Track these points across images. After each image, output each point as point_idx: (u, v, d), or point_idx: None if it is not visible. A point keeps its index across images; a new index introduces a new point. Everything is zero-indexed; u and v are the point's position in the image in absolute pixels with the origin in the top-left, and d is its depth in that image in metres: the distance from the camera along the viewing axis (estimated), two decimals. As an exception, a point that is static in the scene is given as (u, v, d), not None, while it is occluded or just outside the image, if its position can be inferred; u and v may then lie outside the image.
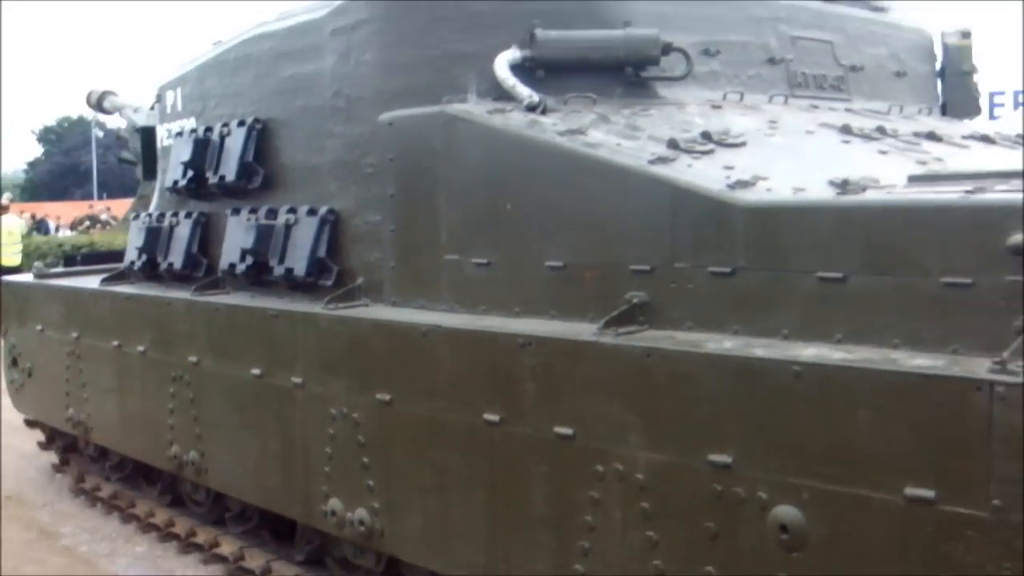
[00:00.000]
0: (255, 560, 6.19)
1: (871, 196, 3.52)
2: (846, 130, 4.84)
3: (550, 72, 4.88)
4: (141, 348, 6.46)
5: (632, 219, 4.03)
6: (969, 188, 3.39)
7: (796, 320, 3.57)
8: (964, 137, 5.56)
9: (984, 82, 7.07)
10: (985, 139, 5.62)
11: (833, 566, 3.33)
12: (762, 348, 3.53)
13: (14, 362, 8.24)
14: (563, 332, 4.08)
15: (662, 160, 4.07)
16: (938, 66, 6.78)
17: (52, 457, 8.78)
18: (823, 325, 3.49)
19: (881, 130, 4.98)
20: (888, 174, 3.92)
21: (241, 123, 5.88)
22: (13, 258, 15.23)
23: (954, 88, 6.78)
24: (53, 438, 8.61)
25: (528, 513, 4.23)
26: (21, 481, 8.44)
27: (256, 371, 5.51)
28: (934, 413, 3.07)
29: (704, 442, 3.61)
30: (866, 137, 4.78)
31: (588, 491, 3.97)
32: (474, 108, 4.72)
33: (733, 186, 3.82)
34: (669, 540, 3.75)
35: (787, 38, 5.67)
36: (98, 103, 8.54)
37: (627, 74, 4.95)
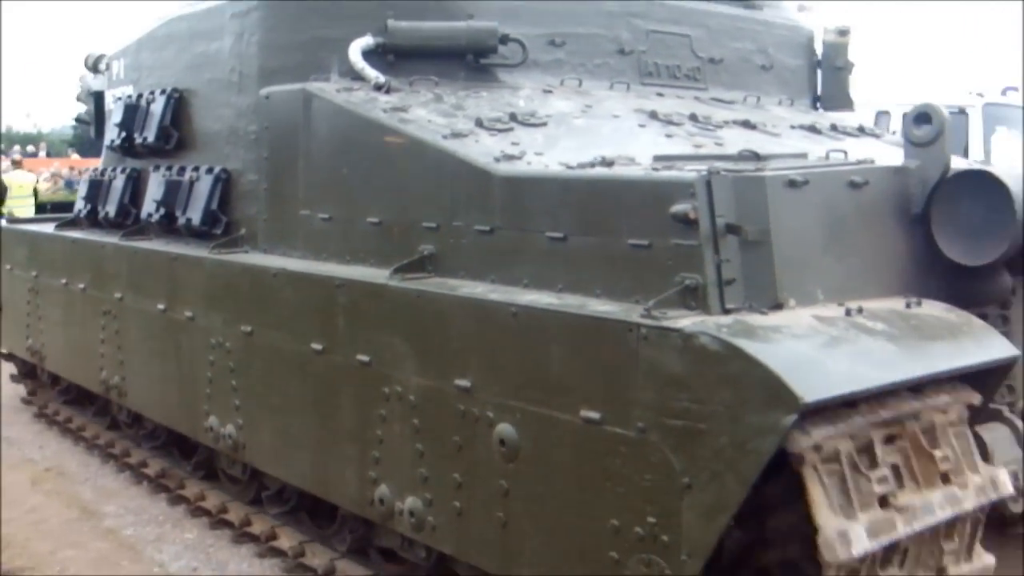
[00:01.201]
0: (317, 558, 5.30)
1: (586, 171, 3.95)
2: (653, 116, 5.21)
3: (400, 57, 5.31)
4: (82, 286, 7.00)
5: (424, 184, 4.48)
6: (664, 166, 3.81)
7: (533, 272, 4.01)
8: (793, 127, 5.87)
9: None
10: (812, 129, 5.93)
11: (537, 474, 3.79)
12: (497, 294, 3.98)
13: None
14: (365, 276, 4.56)
15: (455, 136, 4.51)
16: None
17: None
18: (550, 276, 3.93)
19: (693, 117, 5.35)
20: (650, 153, 4.29)
21: (163, 92, 6.37)
22: (25, 211, 15.71)
23: (829, 82, 7.07)
24: (26, 373, 8.97)
25: (339, 428, 4.72)
26: (61, 452, 7.63)
27: (161, 306, 6.02)
28: (603, 350, 3.52)
29: (453, 369, 4.08)
30: (668, 123, 5.14)
31: (379, 410, 4.45)
32: (328, 87, 5.16)
33: (499, 159, 4.26)
34: (430, 451, 4.23)
35: (641, 31, 6.03)
36: (94, 65, 8.94)
37: (468, 61, 5.37)
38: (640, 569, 3.41)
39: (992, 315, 4.44)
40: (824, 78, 7.00)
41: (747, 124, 5.45)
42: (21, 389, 8.98)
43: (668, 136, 4.85)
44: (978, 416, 4.10)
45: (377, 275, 4.50)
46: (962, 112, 12.53)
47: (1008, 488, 3.72)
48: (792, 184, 3.65)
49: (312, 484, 5.02)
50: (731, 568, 3.52)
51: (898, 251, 4.06)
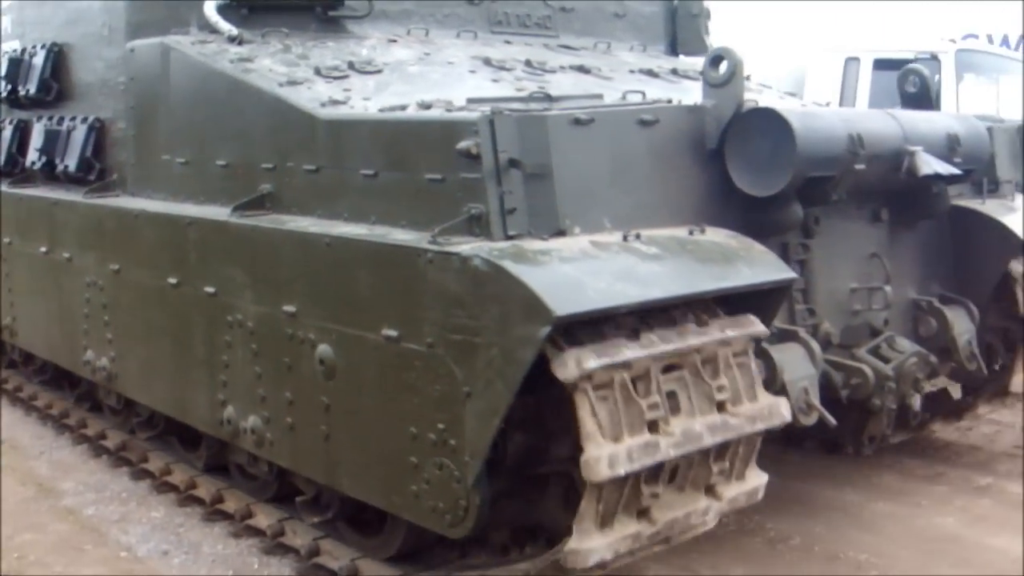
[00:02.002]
0: (179, 475, 5.50)
1: (392, 114, 4.08)
2: (487, 62, 5.32)
3: (253, 11, 5.36)
4: (-26, 231, 7.05)
5: (263, 129, 4.59)
6: (465, 108, 3.93)
7: (351, 206, 4.14)
8: (632, 71, 5.99)
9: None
10: (650, 73, 6.05)
11: (350, 390, 3.97)
12: (316, 227, 4.13)
13: None
14: (210, 214, 4.67)
15: (291, 83, 4.61)
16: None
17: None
18: (365, 210, 4.07)
19: (528, 63, 5.47)
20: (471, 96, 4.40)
21: (43, 46, 6.38)
22: None
23: (685, 29, 7.22)
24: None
25: (193, 356, 4.86)
26: (13, 424, 6.86)
27: (43, 248, 6.10)
28: (398, 274, 3.69)
29: (282, 297, 4.23)
30: (500, 69, 5.26)
31: (224, 336, 4.60)
32: (184, 40, 5.22)
33: (325, 104, 4.37)
34: (266, 373, 4.39)
35: None
36: None
37: (317, 13, 5.46)
38: (434, 472, 3.61)
39: (793, 244, 4.67)
40: (680, 25, 7.15)
41: (582, 69, 5.57)
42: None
43: (494, 81, 4.98)
44: (775, 337, 4.36)
45: (221, 213, 4.61)
46: (934, 58, 12.57)
47: (785, 416, 3.88)
48: (577, 122, 3.80)
49: (172, 408, 5.17)
50: (515, 470, 3.72)
51: (694, 184, 4.23)
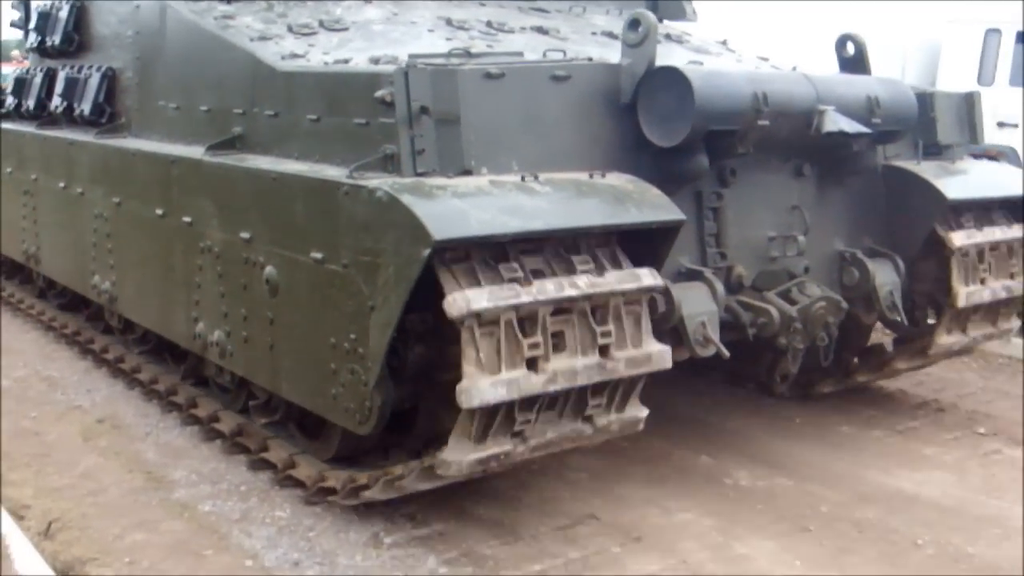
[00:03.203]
0: (163, 383, 6.14)
1: (331, 67, 4.69)
2: (448, 23, 5.86)
3: (245, -28, 6.01)
4: (9, 169, 7.85)
5: (235, 78, 5.22)
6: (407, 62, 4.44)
7: (300, 147, 4.75)
8: (594, 34, 6.47)
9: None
10: (611, 35, 6.48)
11: (289, 306, 4.60)
12: (266, 164, 4.77)
13: None
14: (189, 153, 5.35)
15: (261, 39, 5.25)
16: None
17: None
18: (311, 150, 4.68)
19: (489, 24, 6.02)
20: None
21: (68, 1, 7.13)
22: None
23: None
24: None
25: (174, 278, 5.55)
26: (115, 399, 6.34)
27: (62, 184, 6.86)
28: (323, 204, 4.30)
29: (240, 225, 4.87)
30: (459, 28, 5.80)
31: (197, 261, 5.27)
32: (178, -2, 5.90)
33: (285, 57, 5.00)
34: (227, 292, 5.05)
35: None
36: None
37: None
38: (347, 376, 4.24)
39: (707, 192, 5.17)
40: None
41: (540, 30, 6.09)
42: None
43: (448, 39, 5.51)
44: (683, 276, 4.90)
45: (199, 152, 5.28)
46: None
47: (666, 364, 4.33)
48: (488, 76, 4.37)
49: (158, 326, 5.88)
50: (416, 378, 4.31)
51: (608, 135, 4.75)
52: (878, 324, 6.22)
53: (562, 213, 4.14)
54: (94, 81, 6.60)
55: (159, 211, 5.58)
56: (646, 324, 4.35)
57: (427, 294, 3.90)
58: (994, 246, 6.01)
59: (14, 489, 5.03)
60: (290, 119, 4.83)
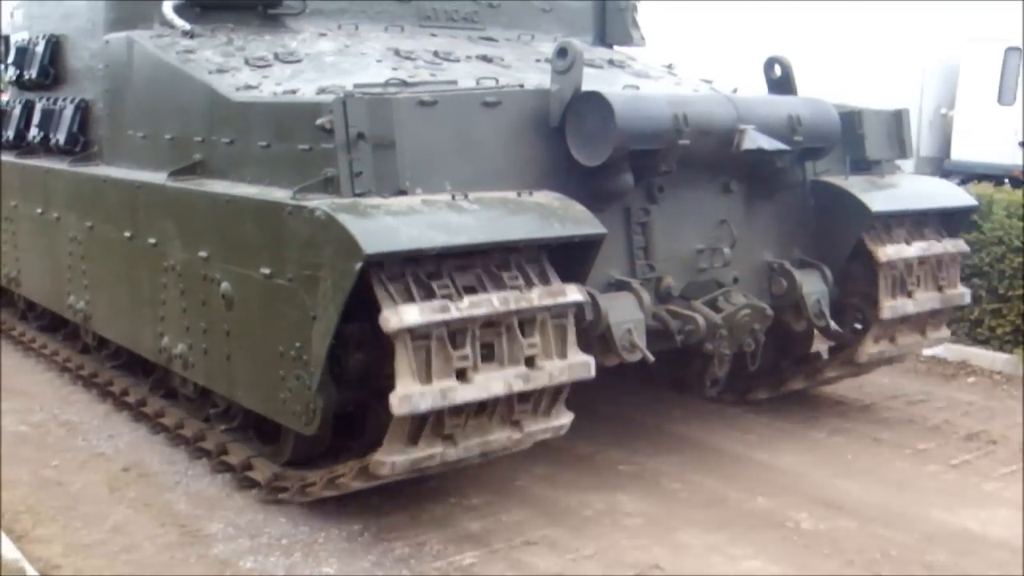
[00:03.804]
0: (132, 395, 6.49)
1: (279, 97, 5.13)
2: (396, 53, 6.27)
3: (205, 9, 6.41)
4: (-11, 196, 8.30)
5: (195, 108, 5.65)
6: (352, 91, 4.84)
7: (253, 172, 5.16)
8: (538, 60, 6.81)
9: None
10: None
11: (242, 318, 5.01)
12: (220, 187, 5.19)
13: None
14: (154, 179, 5.77)
15: (219, 71, 5.68)
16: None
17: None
18: (262, 174, 5.08)
19: (436, 54, 6.46)
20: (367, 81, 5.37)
21: (44, 37, 7.58)
22: None
23: (613, 21, 8.18)
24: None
25: (141, 297, 5.96)
26: (139, 444, 6.12)
27: (39, 210, 7.28)
28: (271, 223, 4.72)
29: (198, 244, 5.29)
30: (406, 58, 6.21)
31: (162, 279, 5.68)
32: (144, 34, 6.29)
33: (239, 88, 5.44)
34: (189, 307, 5.45)
35: None
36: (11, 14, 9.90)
37: (259, 11, 6.52)
38: (294, 382, 4.64)
39: (635, 208, 5.59)
40: (609, 18, 8.09)
41: (485, 58, 6.53)
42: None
43: (394, 69, 5.94)
44: (612, 287, 5.32)
45: (162, 178, 5.71)
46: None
47: (590, 373, 4.74)
48: (422, 103, 4.80)
49: (128, 341, 6.29)
50: (356, 383, 4.70)
51: (538, 156, 5.17)
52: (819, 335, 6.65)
53: (488, 228, 4.55)
54: (68, 112, 7.04)
55: (127, 233, 5.99)
56: (571, 336, 4.73)
57: (365, 306, 4.30)
58: (923, 259, 6.42)
59: (42, 547, 4.76)
60: (244, 146, 5.26)
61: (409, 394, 4.20)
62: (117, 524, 5.05)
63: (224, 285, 5.08)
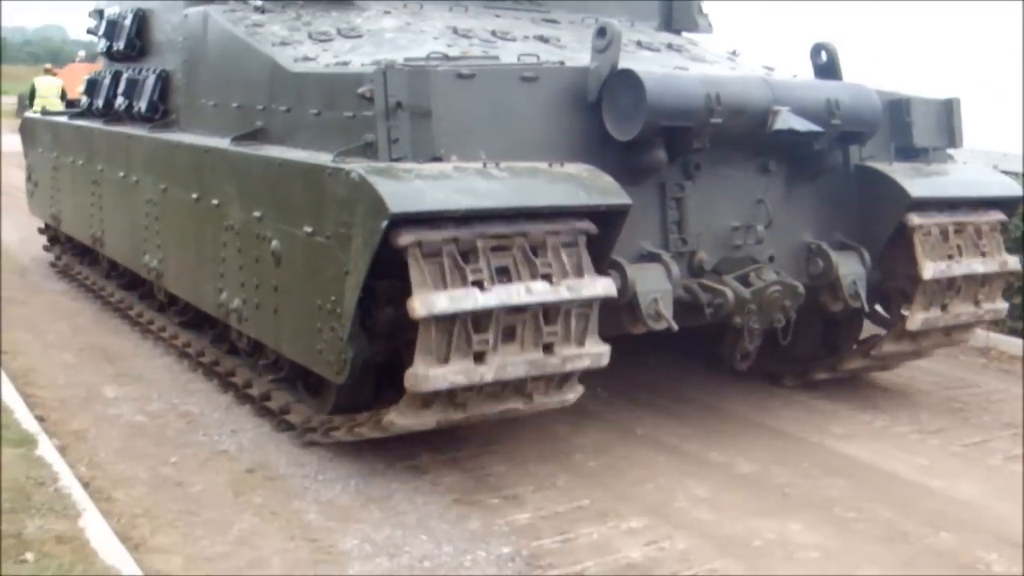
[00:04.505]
0: (193, 346, 6.98)
1: (328, 68, 5.52)
2: (454, 31, 6.64)
3: (278, -15, 6.90)
4: (81, 160, 8.91)
5: (258, 78, 6.08)
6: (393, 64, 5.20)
7: (306, 137, 5.56)
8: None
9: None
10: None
11: (289, 274, 5.41)
12: (277, 152, 5.61)
13: (29, 176, 10.90)
14: (217, 144, 6.24)
15: (282, 44, 6.11)
16: None
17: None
18: (315, 140, 5.47)
19: (493, 33, 6.79)
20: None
21: (132, 11, 8.14)
22: (54, 108, 17.34)
23: (678, 7, 8.44)
24: (53, 238, 10.88)
25: (205, 254, 6.43)
26: (262, 443, 5.74)
27: (121, 174, 7.85)
28: (314, 185, 5.11)
29: (254, 205, 5.71)
30: (462, 36, 6.58)
31: (222, 238, 6.15)
32: (218, 8, 6.75)
33: (297, 60, 5.85)
34: (245, 265, 5.89)
35: None
36: None
37: None
38: (329, 333, 5.03)
39: (671, 184, 5.84)
40: (676, 4, 8.33)
41: (542, 39, 6.84)
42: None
43: (448, 45, 6.27)
44: (643, 258, 5.59)
45: (225, 143, 6.17)
46: None
47: (606, 291, 4.98)
48: (460, 76, 5.13)
49: (193, 297, 6.78)
50: (387, 336, 5.07)
51: (575, 130, 5.45)
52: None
53: (514, 195, 4.84)
54: (150, 82, 7.57)
55: (194, 195, 6.47)
56: (593, 325, 5.00)
57: (396, 263, 4.66)
58: (959, 227, 6.49)
59: (161, 558, 4.39)
60: (299, 114, 5.66)
61: (425, 375, 4.54)
62: (242, 534, 4.67)
63: (274, 243, 5.49)
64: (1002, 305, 6.90)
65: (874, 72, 6.62)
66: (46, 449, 5.33)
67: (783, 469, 5.72)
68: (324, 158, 5.14)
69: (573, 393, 5.18)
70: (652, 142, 5.45)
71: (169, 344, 7.35)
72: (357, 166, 4.75)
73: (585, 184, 5.11)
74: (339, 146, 5.14)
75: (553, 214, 4.98)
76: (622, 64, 5.41)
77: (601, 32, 5.49)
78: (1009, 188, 6.84)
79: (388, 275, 4.78)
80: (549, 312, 4.85)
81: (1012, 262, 6.69)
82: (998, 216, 6.66)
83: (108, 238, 8.38)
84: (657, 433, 6.23)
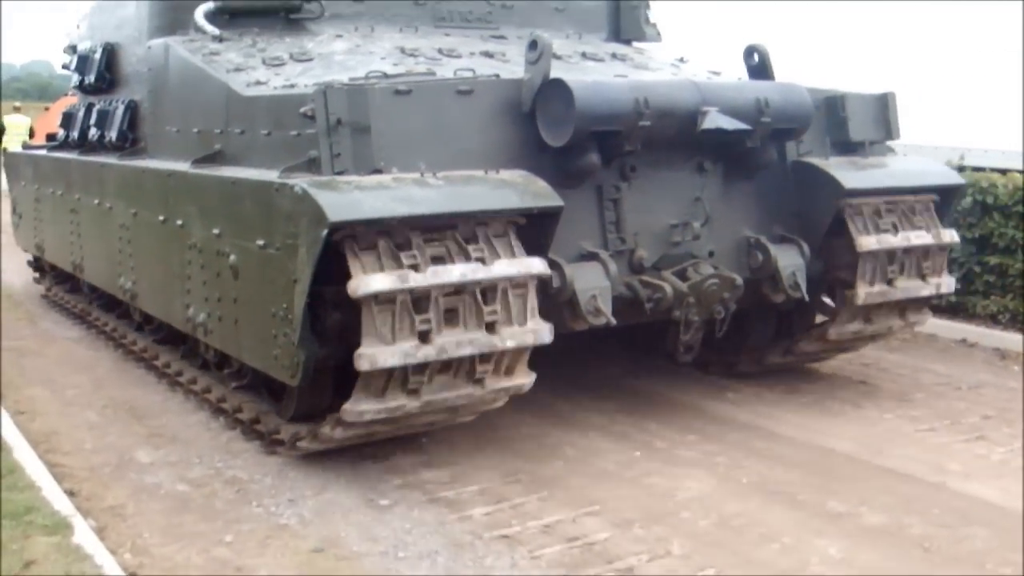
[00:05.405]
0: (161, 358, 7.35)
1: (275, 90, 5.93)
2: (402, 51, 7.03)
3: (234, 16, 7.29)
4: (60, 191, 9.35)
5: (215, 103, 6.49)
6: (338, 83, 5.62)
7: (259, 157, 5.95)
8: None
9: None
10: (555, 57, 7.53)
11: (246, 286, 5.79)
12: (232, 172, 6.02)
13: (14, 209, 11.37)
14: (180, 168, 6.65)
15: (237, 70, 6.52)
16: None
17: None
18: (266, 159, 5.88)
19: (440, 51, 7.19)
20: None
21: (102, 45, 8.59)
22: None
23: (627, 18, 8.85)
24: (40, 268, 11.27)
25: (172, 273, 6.84)
26: (330, 520, 5.10)
27: (96, 201, 8.27)
28: (263, 200, 5.51)
29: (212, 223, 6.09)
30: (409, 56, 6.97)
31: (187, 257, 6.55)
32: (179, 39, 7.19)
33: (249, 85, 6.27)
34: (208, 280, 6.28)
35: None
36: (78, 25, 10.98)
37: (281, 17, 7.37)
38: (282, 339, 5.39)
39: (607, 186, 6.22)
40: (623, 15, 8.75)
41: (487, 54, 7.25)
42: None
43: (394, 64, 6.67)
44: (582, 257, 5.97)
45: (185, 166, 6.58)
46: None
47: (546, 339, 5.35)
48: (397, 92, 5.54)
49: (163, 314, 7.18)
50: (335, 339, 5.42)
51: (511, 139, 5.84)
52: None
53: (448, 201, 5.21)
54: (119, 112, 7.99)
55: (161, 217, 6.88)
56: (531, 304, 5.35)
57: (341, 270, 5.03)
58: (891, 205, 6.83)
59: None
60: (251, 135, 6.07)
61: (373, 353, 4.89)
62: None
63: (232, 258, 5.87)
64: (926, 316, 7.27)
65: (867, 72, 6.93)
66: (83, 535, 4.63)
67: (917, 519, 5.14)
68: (272, 175, 5.52)
69: (526, 379, 5.49)
70: (585, 146, 5.82)
71: (202, 399, 6.86)
72: (301, 181, 5.13)
73: (518, 188, 5.48)
74: (287, 163, 5.52)
75: (490, 217, 5.34)
76: (560, 74, 5.80)
77: (533, 45, 5.89)
78: (945, 177, 7.20)
79: (335, 282, 5.15)
80: (487, 293, 5.18)
81: (949, 235, 7.02)
82: (930, 196, 6.97)
83: (87, 264, 8.80)
84: (766, 480, 5.65)
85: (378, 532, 4.97)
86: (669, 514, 5.20)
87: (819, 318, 7.40)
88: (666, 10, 9.61)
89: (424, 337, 5.03)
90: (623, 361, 8.00)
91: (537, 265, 5.38)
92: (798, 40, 12.24)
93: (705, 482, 5.63)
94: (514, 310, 5.31)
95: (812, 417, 6.77)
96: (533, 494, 5.42)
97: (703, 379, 7.50)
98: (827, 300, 7.27)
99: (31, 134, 18.75)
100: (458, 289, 5.13)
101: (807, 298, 6.66)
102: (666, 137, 6.05)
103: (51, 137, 10.51)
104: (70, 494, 5.25)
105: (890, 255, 6.72)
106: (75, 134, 9.09)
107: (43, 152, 10.16)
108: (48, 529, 4.63)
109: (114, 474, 5.73)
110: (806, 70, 8.05)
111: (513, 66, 7.01)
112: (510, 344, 5.27)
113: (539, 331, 5.38)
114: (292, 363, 5.33)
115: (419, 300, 5.03)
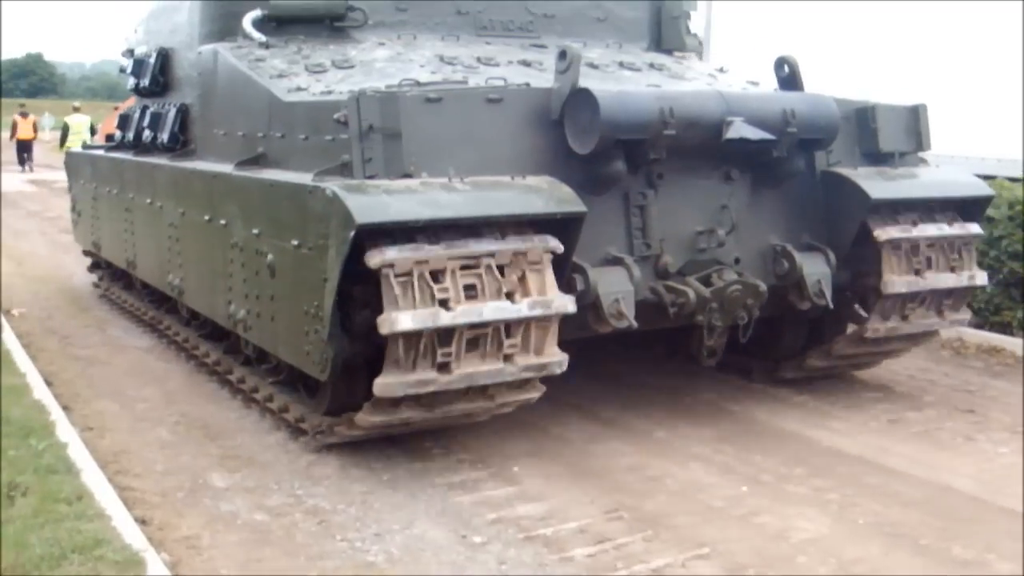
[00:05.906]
0: (211, 356, 7.63)
1: (314, 97, 6.22)
2: (441, 59, 7.30)
3: (280, 24, 7.61)
4: (115, 190, 9.76)
5: (258, 108, 6.80)
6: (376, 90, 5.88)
7: (297, 160, 6.24)
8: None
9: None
10: (591, 65, 7.69)
11: (282, 284, 6.09)
12: (266, 174, 6.32)
13: (73, 207, 11.84)
14: (224, 169, 6.98)
15: (280, 76, 6.83)
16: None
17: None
18: (304, 162, 6.15)
19: (479, 59, 7.46)
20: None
21: (156, 50, 8.98)
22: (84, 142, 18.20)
23: (668, 29, 9.05)
24: (96, 265, 11.73)
25: (216, 271, 7.17)
26: (420, 558, 4.81)
27: (148, 200, 8.66)
28: (298, 203, 5.80)
29: (252, 223, 6.41)
30: (447, 64, 7.24)
31: (229, 255, 6.87)
32: (226, 46, 7.51)
33: (290, 90, 6.58)
34: (248, 278, 6.60)
35: None
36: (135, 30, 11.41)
37: (326, 24, 7.67)
38: (313, 335, 5.68)
39: (634, 193, 6.43)
40: (664, 25, 8.94)
41: (525, 63, 7.49)
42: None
43: (432, 72, 6.95)
44: (607, 262, 6.18)
45: (229, 168, 6.90)
46: None
47: (567, 309, 5.55)
48: (428, 100, 5.80)
49: (207, 310, 7.52)
50: (364, 335, 5.69)
51: (539, 146, 6.06)
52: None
53: (473, 205, 5.45)
54: (171, 115, 8.36)
55: (207, 217, 7.21)
56: (549, 278, 5.54)
57: (371, 271, 5.29)
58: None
59: None
60: (291, 139, 6.36)
61: (393, 317, 5.10)
62: None
63: (269, 257, 6.17)
64: (965, 315, 7.36)
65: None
66: (156, 570, 4.34)
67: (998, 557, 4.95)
68: (307, 178, 5.80)
69: (535, 392, 5.75)
70: (611, 154, 6.03)
71: (353, 457, 6.06)
72: (332, 184, 5.40)
73: (543, 194, 5.70)
74: (322, 167, 5.79)
75: (515, 222, 5.57)
76: (591, 84, 6.02)
77: (562, 55, 6.11)
78: (975, 188, 7.29)
79: (364, 281, 5.41)
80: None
81: (980, 277, 7.15)
82: (975, 231, 7.11)
83: (139, 261, 9.18)
84: (883, 521, 5.31)
85: (472, 572, 4.65)
86: (785, 559, 4.83)
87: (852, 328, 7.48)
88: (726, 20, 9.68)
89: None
90: (715, 384, 7.76)
91: (565, 304, 5.56)
92: (852, 48, 12.30)
93: (819, 522, 5.25)
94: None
95: (923, 450, 6.42)
96: (637, 533, 5.08)
97: (805, 404, 7.32)
98: (860, 311, 7.35)
99: (92, 132, 19.37)
100: (471, 264, 5.40)
101: (831, 305, 6.78)
102: (692, 146, 6.22)
103: (110, 137, 10.92)
104: (141, 523, 4.96)
105: (914, 246, 6.84)
106: (130, 135, 9.49)
107: (100, 152, 10.59)
108: (120, 566, 4.30)
109: (187, 500, 5.44)
110: (855, 80, 8.09)
111: (549, 75, 7.16)
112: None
113: (559, 301, 5.52)
114: (322, 359, 5.60)
115: (436, 273, 5.27)
